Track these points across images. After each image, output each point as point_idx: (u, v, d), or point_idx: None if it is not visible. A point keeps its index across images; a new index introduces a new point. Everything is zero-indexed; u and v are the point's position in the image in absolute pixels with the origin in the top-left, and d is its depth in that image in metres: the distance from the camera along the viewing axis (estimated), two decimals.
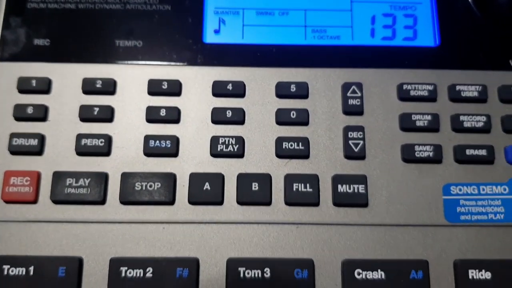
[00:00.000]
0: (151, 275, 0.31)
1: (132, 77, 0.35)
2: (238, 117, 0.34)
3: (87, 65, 0.35)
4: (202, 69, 0.35)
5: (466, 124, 0.34)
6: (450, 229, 0.33)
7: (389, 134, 0.34)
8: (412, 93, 0.35)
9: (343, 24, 0.37)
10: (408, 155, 0.33)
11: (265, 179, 0.33)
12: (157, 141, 0.33)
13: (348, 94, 0.35)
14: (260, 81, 0.35)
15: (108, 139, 0.33)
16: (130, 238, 0.32)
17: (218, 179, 0.33)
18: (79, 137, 0.33)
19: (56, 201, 0.32)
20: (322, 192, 0.33)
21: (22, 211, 0.32)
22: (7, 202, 0.32)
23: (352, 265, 0.31)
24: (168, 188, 0.32)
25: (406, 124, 0.34)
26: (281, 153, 0.33)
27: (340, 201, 0.32)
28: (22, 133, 0.33)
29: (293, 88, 0.35)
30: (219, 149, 0.33)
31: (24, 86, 0.34)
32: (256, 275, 0.31)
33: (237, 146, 0.33)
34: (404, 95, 0.35)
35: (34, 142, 0.33)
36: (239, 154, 0.33)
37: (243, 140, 0.34)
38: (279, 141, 0.34)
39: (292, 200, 0.32)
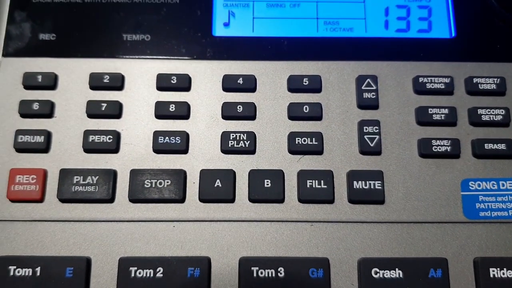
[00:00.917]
0: (161, 275, 0.30)
1: (141, 72, 0.34)
2: (249, 112, 0.33)
3: (94, 60, 0.34)
4: (211, 63, 0.34)
5: (484, 118, 0.33)
6: (469, 226, 0.31)
7: (405, 128, 0.33)
8: (428, 86, 0.34)
9: (356, 16, 0.36)
10: (425, 150, 0.32)
11: (278, 176, 0.32)
12: (167, 137, 0.32)
13: (363, 88, 0.34)
14: (272, 75, 0.34)
15: (117, 136, 0.32)
16: (139, 237, 0.31)
17: (229, 176, 0.32)
18: (87, 133, 0.32)
19: (63, 200, 0.31)
20: (337, 188, 0.32)
21: (28, 210, 0.31)
22: (13, 201, 0.31)
23: (369, 264, 0.30)
24: (178, 186, 0.32)
25: (423, 118, 0.33)
26: (294, 149, 0.32)
27: (355, 198, 0.31)
28: (27, 130, 0.32)
29: (305, 81, 0.34)
30: (230, 145, 0.32)
31: (30, 81, 0.33)
32: (270, 274, 0.30)
33: (248, 142, 0.32)
34: (420, 88, 0.34)
35: (40, 139, 0.32)
36: (251, 150, 0.32)
37: (255, 135, 0.33)
38: (292, 136, 0.33)
39: (305, 197, 0.31)
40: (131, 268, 0.30)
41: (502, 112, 0.33)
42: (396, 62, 0.34)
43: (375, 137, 0.33)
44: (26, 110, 0.33)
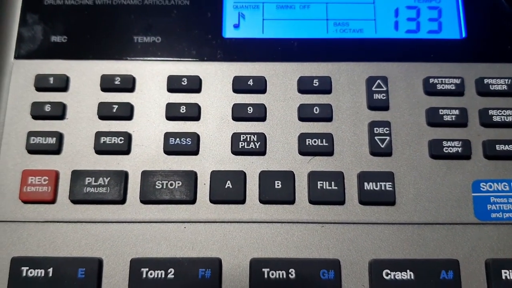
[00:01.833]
0: (172, 276, 0.30)
1: (151, 74, 0.34)
2: (260, 113, 0.33)
3: (105, 61, 0.34)
4: (222, 64, 0.34)
5: (496, 119, 0.33)
6: (481, 227, 0.31)
7: (416, 129, 0.33)
8: (439, 87, 0.34)
9: (366, 17, 0.36)
10: (436, 151, 0.32)
11: (288, 177, 0.32)
12: (177, 139, 0.33)
13: (373, 89, 0.34)
14: (282, 76, 0.34)
15: (128, 137, 0.33)
16: (151, 238, 0.31)
17: (239, 177, 0.32)
18: (98, 135, 0.33)
19: (75, 201, 0.32)
20: (347, 190, 0.32)
21: (40, 211, 0.32)
22: (25, 202, 0.32)
23: (380, 265, 0.30)
24: (189, 187, 0.32)
25: (433, 119, 0.33)
26: (304, 150, 0.32)
27: (366, 199, 0.31)
28: (39, 131, 0.33)
29: (315, 82, 0.34)
30: (240, 146, 0.32)
31: (42, 83, 0.34)
32: (281, 276, 0.30)
33: (258, 143, 0.32)
34: (430, 89, 0.34)
35: (52, 140, 0.32)
36: (261, 151, 0.32)
37: (265, 136, 0.33)
38: (302, 137, 0.33)
39: (316, 198, 0.32)
40: (142, 269, 0.30)
41: None
42: (406, 63, 0.34)
43: (386, 138, 0.33)
44: (38, 112, 0.33)
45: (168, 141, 0.33)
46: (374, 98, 0.33)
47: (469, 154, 0.32)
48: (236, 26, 0.35)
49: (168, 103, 0.33)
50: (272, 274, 0.30)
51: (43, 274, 0.30)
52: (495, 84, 0.34)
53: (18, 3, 0.35)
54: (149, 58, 0.34)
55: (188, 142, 0.32)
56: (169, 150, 0.32)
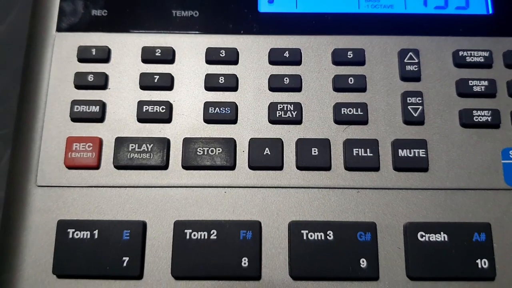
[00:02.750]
0: (215, 237, 0.31)
1: (190, 46, 0.35)
2: (296, 84, 0.34)
3: (144, 34, 0.35)
4: (258, 37, 0.35)
5: None
6: (511, 192, 0.32)
7: (446, 99, 0.34)
8: (468, 59, 0.35)
9: None
10: (467, 120, 0.33)
11: (325, 144, 0.33)
12: (217, 108, 0.34)
13: (405, 61, 0.35)
14: (316, 49, 0.35)
15: (169, 106, 0.34)
16: (193, 202, 0.32)
17: (277, 144, 0.33)
18: (141, 104, 0.34)
19: (118, 166, 0.33)
20: (382, 157, 0.33)
21: (84, 177, 0.33)
22: (69, 168, 0.33)
23: (415, 228, 0.31)
24: (229, 153, 0.33)
25: (463, 89, 0.34)
26: (340, 119, 0.33)
27: (400, 165, 0.33)
28: (83, 100, 0.34)
29: (350, 54, 0.35)
30: (277, 115, 0.34)
31: (84, 55, 0.35)
32: (319, 237, 0.31)
33: (295, 112, 0.34)
34: (460, 61, 0.35)
35: (95, 109, 0.33)
36: (297, 120, 0.34)
37: (301, 106, 0.34)
38: (337, 106, 0.34)
39: (352, 164, 0.33)
40: (186, 231, 0.31)
41: None
42: (436, 37, 0.36)
43: (419, 108, 0.34)
44: (81, 82, 0.34)
45: (208, 110, 0.34)
46: (407, 69, 0.35)
47: (498, 123, 0.34)
48: (271, 1, 0.37)
49: (207, 74, 0.34)
50: (311, 236, 0.31)
51: (89, 236, 0.31)
52: None
53: None
54: (187, 32, 0.36)
55: (227, 111, 0.34)
56: (209, 118, 0.34)
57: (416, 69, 0.35)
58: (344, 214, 0.32)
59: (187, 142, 0.33)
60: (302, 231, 0.31)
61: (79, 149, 0.33)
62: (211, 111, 0.34)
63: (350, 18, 0.36)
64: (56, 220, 0.32)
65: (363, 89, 0.34)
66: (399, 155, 0.33)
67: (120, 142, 0.33)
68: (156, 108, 0.34)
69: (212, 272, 0.31)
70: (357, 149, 0.33)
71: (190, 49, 0.35)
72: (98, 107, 0.33)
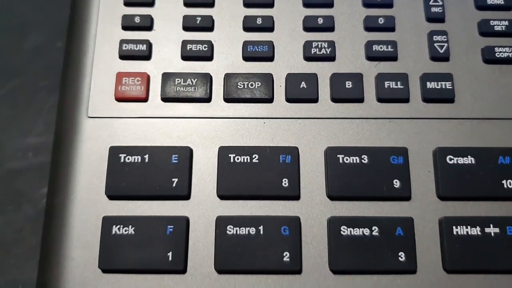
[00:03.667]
0: (257, 160, 0.33)
1: None
2: (329, 24, 0.36)
3: None
4: None
5: None
6: None
7: (470, 38, 0.36)
8: (489, 1, 0.37)
9: None
10: (489, 56, 0.36)
11: (358, 78, 0.35)
12: (255, 46, 0.36)
13: (430, 3, 0.37)
14: None
15: (211, 45, 0.36)
16: (234, 131, 0.34)
17: (313, 78, 0.35)
18: (184, 43, 0.36)
19: (165, 99, 0.35)
20: (411, 89, 0.35)
21: (133, 109, 0.35)
22: (119, 100, 0.35)
23: (444, 152, 0.34)
24: (268, 87, 0.35)
25: (485, 29, 0.36)
26: (371, 55, 0.36)
27: (429, 96, 0.35)
28: (131, 39, 0.36)
29: None
30: (312, 52, 0.36)
31: None
32: (355, 160, 0.33)
33: (329, 49, 0.36)
34: (481, 3, 0.37)
35: (142, 47, 0.36)
36: (331, 57, 0.36)
37: (334, 44, 0.36)
38: (369, 44, 0.36)
39: (384, 96, 0.35)
40: (230, 155, 0.33)
41: None
42: None
43: (444, 45, 0.36)
44: (128, 23, 0.36)
45: (246, 48, 0.36)
46: (432, 11, 0.37)
47: None
48: None
49: (245, 16, 0.37)
50: (347, 160, 0.33)
51: (139, 160, 0.33)
52: None
53: None
54: None
55: (265, 48, 0.36)
56: (247, 56, 0.36)
57: (441, 10, 0.37)
58: (377, 142, 0.34)
59: (228, 77, 0.35)
60: (338, 155, 0.33)
61: (129, 83, 0.35)
62: (250, 49, 0.36)
63: None
64: (107, 147, 0.34)
65: (392, 29, 0.37)
66: (427, 87, 0.35)
67: (167, 77, 0.35)
68: (199, 46, 0.36)
69: (254, 191, 0.33)
70: (388, 82, 0.35)
71: None
72: (145, 45, 0.36)
